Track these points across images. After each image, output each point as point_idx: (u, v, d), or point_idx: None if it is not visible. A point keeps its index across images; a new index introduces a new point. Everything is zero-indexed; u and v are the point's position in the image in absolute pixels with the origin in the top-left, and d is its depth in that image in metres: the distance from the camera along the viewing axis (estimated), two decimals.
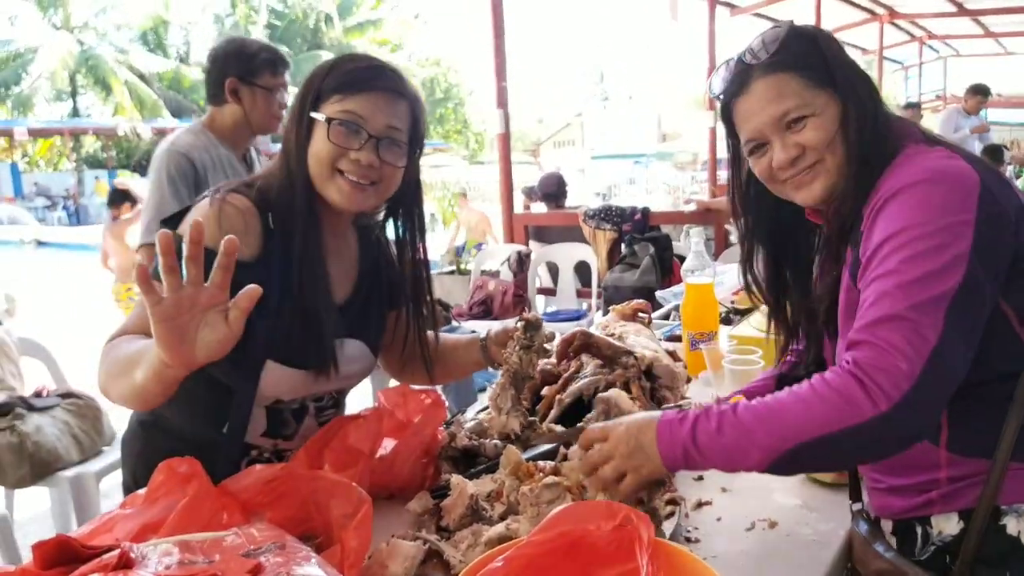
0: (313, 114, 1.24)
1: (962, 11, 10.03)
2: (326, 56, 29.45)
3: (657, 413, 1.04)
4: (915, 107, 8.05)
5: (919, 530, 1.05)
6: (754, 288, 1.30)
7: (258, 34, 28.70)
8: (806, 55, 1.08)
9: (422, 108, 1.32)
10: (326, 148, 1.24)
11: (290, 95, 2.54)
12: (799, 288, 1.25)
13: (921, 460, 1.04)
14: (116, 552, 0.80)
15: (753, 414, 0.94)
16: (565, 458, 1.25)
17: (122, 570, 0.77)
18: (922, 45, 13.19)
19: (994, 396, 1.00)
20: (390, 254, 1.48)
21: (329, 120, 1.23)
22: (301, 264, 1.25)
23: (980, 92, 7.57)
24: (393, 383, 3.68)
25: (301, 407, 1.37)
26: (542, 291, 4.95)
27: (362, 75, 1.25)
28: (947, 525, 1.03)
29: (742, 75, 1.11)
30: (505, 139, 4.76)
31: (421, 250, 1.45)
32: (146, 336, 1.09)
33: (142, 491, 1.00)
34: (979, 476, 1.00)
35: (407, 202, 1.41)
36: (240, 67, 2.36)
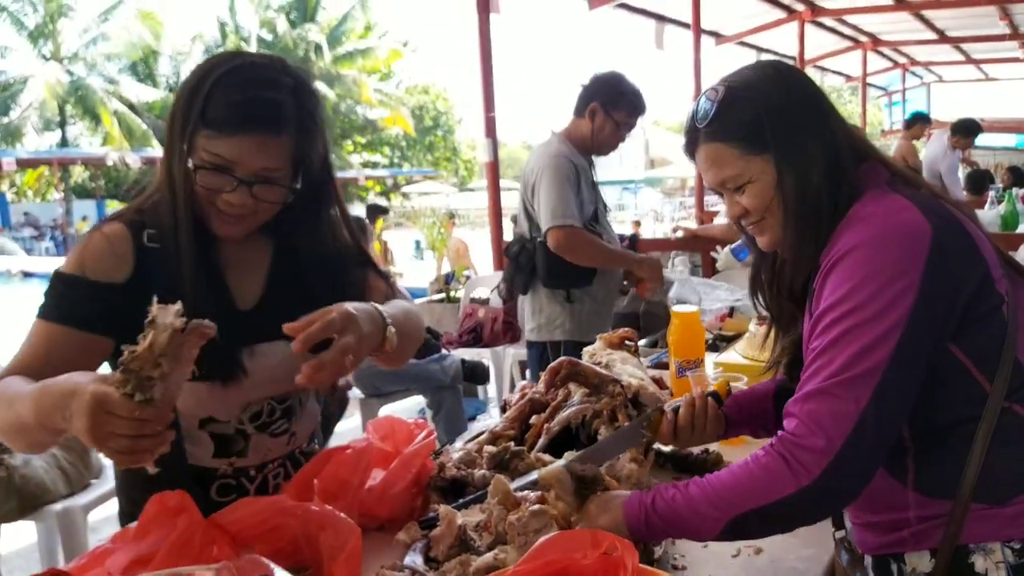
0: (190, 161, 1.17)
1: (944, 39, 10.25)
2: (317, 86, 29.69)
3: (624, 495, 1.10)
4: (925, 121, 7.80)
5: (894, 567, 1.07)
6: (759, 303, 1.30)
7: None
8: (742, 123, 1.07)
9: (310, 131, 1.21)
10: (199, 189, 1.19)
11: (631, 135, 2.89)
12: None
13: (891, 499, 1.05)
14: None
15: (699, 488, 1.02)
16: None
17: None
18: (905, 71, 13.43)
19: (956, 438, 1.01)
20: (327, 243, 1.35)
21: (196, 167, 1.17)
22: (187, 279, 1.20)
23: (971, 133, 7.49)
24: (383, 413, 3.66)
25: (238, 430, 1.32)
26: None
27: (233, 116, 1.14)
28: (920, 562, 1.04)
29: (691, 135, 1.14)
30: (493, 167, 4.80)
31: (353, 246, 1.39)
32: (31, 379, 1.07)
33: (133, 525, 1.01)
34: (947, 516, 1.01)
35: (320, 200, 1.32)
36: (607, 97, 2.72)
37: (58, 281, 1.20)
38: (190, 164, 1.16)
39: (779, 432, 0.99)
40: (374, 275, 1.44)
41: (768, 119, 1.06)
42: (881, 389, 0.94)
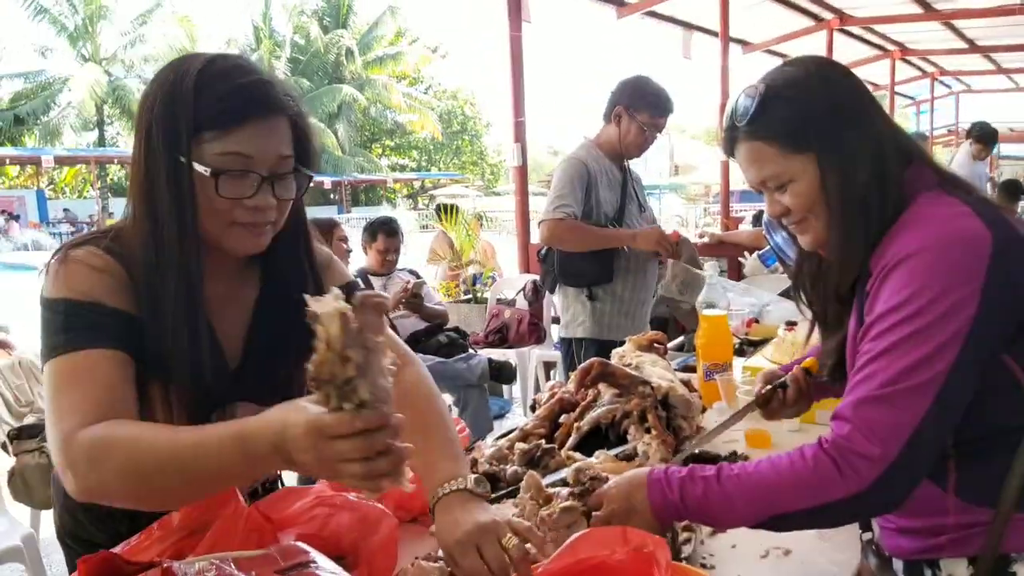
0: (197, 166, 1.02)
1: (974, 48, 10.10)
2: (348, 90, 30.27)
3: (642, 472, 1.09)
4: (923, 139, 7.96)
5: (928, 573, 1.06)
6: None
7: (281, 68, 29.29)
8: (782, 120, 1.05)
9: (300, 114, 1.10)
10: (217, 203, 1.04)
11: (660, 135, 2.87)
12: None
13: (930, 505, 1.04)
14: (158, 568, 0.84)
15: (735, 485, 1.01)
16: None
17: None
18: (934, 81, 13.25)
19: (1000, 447, 1.00)
20: (307, 276, 1.21)
21: (216, 173, 1.02)
22: (177, 332, 1.05)
23: (991, 141, 7.43)
24: None
25: None
26: (556, 320, 4.98)
27: (239, 100, 1.03)
28: (957, 569, 1.03)
29: (730, 134, 1.12)
30: (522, 171, 4.84)
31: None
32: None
33: (176, 513, 1.04)
34: (987, 524, 1.00)
35: (300, 224, 1.20)
36: (630, 100, 2.75)
37: (74, 308, 1.02)
38: (204, 172, 1.02)
39: (829, 435, 0.97)
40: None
41: (810, 117, 1.04)
42: (940, 400, 0.92)
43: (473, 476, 1.10)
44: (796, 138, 1.05)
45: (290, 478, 1.48)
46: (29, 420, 2.65)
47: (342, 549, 1.13)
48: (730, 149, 1.13)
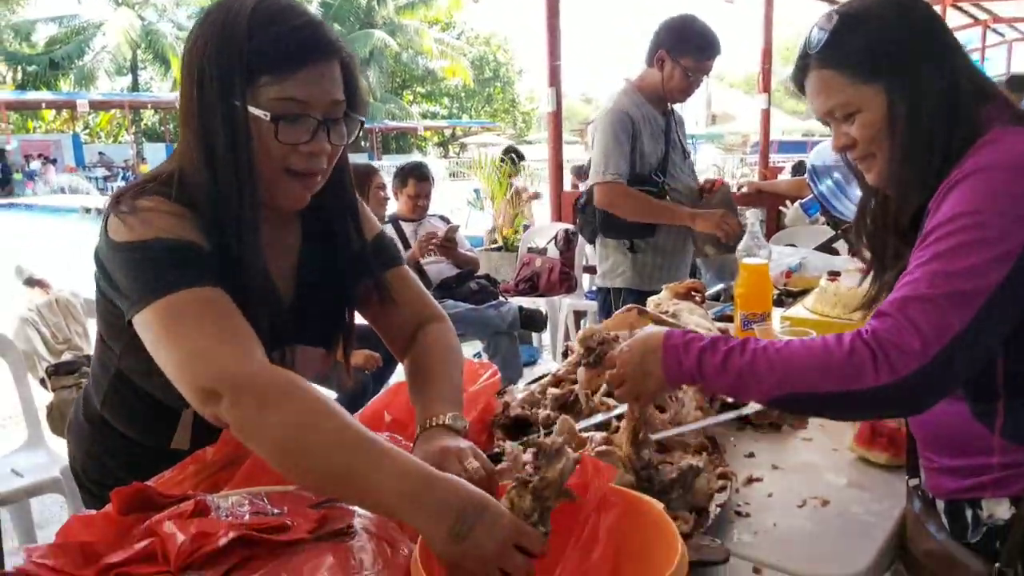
0: (252, 109, 1.01)
1: None
2: (379, 35, 29.95)
3: (659, 333, 1.08)
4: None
5: (969, 512, 1.05)
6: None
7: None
8: (855, 49, 1.05)
9: (351, 56, 1.09)
10: (273, 149, 1.03)
11: (706, 79, 2.76)
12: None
13: (975, 444, 1.03)
14: (192, 500, 0.84)
15: (760, 357, 0.98)
16: (617, 430, 1.26)
17: (198, 517, 0.81)
18: (986, 28, 12.68)
19: None
20: (349, 226, 1.23)
21: (276, 118, 1.01)
22: (244, 278, 1.04)
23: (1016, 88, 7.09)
24: None
25: None
26: (588, 269, 4.95)
27: (295, 44, 1.01)
28: (998, 509, 1.02)
29: (803, 62, 1.12)
30: (556, 117, 4.74)
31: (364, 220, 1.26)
32: None
33: (211, 447, 1.04)
34: None
35: (343, 171, 1.19)
36: (673, 43, 2.62)
37: (175, 247, 0.98)
38: (264, 116, 1.00)
39: (869, 328, 0.94)
40: (400, 270, 1.31)
41: (882, 46, 1.04)
42: (987, 310, 0.90)
43: (452, 414, 1.11)
44: (867, 67, 1.05)
45: None
46: (67, 357, 2.71)
47: None
48: (800, 79, 1.13)
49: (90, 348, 2.88)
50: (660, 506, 0.89)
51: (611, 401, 1.41)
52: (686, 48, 2.63)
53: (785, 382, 0.96)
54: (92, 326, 3.00)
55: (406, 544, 0.86)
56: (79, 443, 1.28)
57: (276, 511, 0.88)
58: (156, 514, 0.85)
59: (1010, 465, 1.01)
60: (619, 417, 1.32)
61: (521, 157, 3.79)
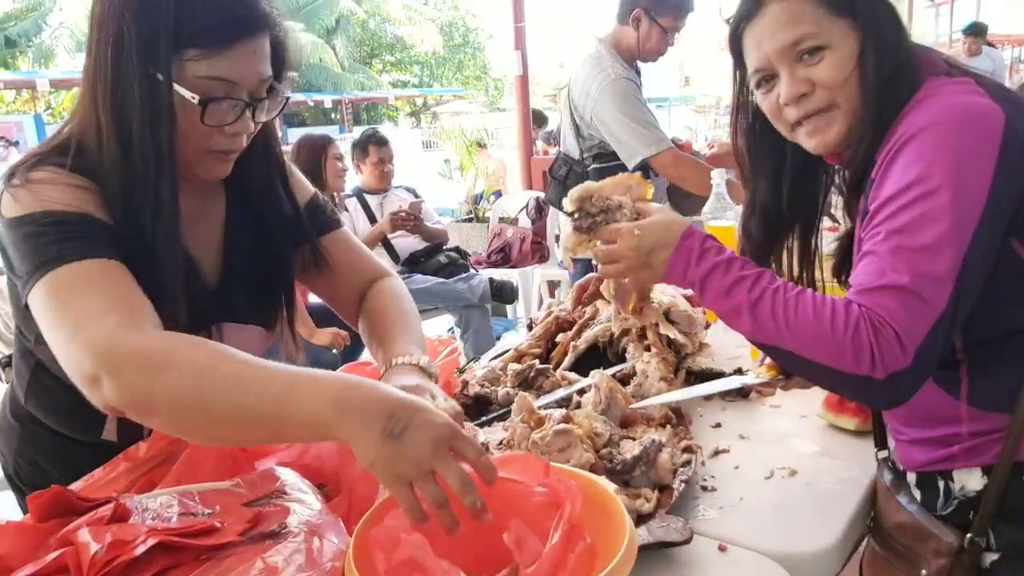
0: (181, 90, 0.93)
1: None
2: (345, 2, 29.37)
3: (678, 227, 1.01)
4: (980, 32, 7.19)
5: (941, 484, 1.02)
6: (751, 237, 1.20)
7: None
8: None
9: (283, 30, 1.03)
10: (197, 130, 0.97)
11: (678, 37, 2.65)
12: (803, 239, 1.19)
13: (942, 413, 1.00)
14: (111, 505, 0.78)
15: (769, 304, 0.92)
16: (578, 406, 1.22)
17: (116, 523, 0.76)
18: None
19: (1013, 349, 0.95)
20: (279, 192, 1.17)
21: (205, 101, 0.94)
22: (158, 258, 0.97)
23: (976, 33, 7.11)
24: None
25: None
26: (559, 238, 4.90)
27: (229, 18, 0.94)
28: (970, 480, 0.99)
29: None
30: (523, 82, 4.65)
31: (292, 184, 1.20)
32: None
33: (144, 443, 0.98)
34: (1002, 432, 0.96)
35: (269, 139, 1.13)
36: (652, 2, 2.52)
37: (63, 218, 0.91)
38: (191, 99, 0.93)
39: (870, 307, 0.87)
40: (338, 234, 1.26)
41: None
42: (961, 284, 0.85)
43: (425, 357, 1.08)
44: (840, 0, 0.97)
45: None
46: None
47: (324, 477, 1.07)
48: (750, 13, 1.02)
49: None
50: (611, 487, 0.84)
51: (572, 375, 1.37)
52: (664, 6, 2.54)
53: (780, 336, 0.90)
54: None
55: (343, 540, 0.81)
56: (8, 443, 1.20)
57: (207, 511, 0.82)
58: (76, 519, 0.79)
59: (979, 433, 0.98)
60: (580, 392, 1.27)
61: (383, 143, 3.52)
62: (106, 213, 0.95)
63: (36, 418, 1.15)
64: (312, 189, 1.26)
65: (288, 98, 1.07)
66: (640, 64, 2.71)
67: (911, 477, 1.06)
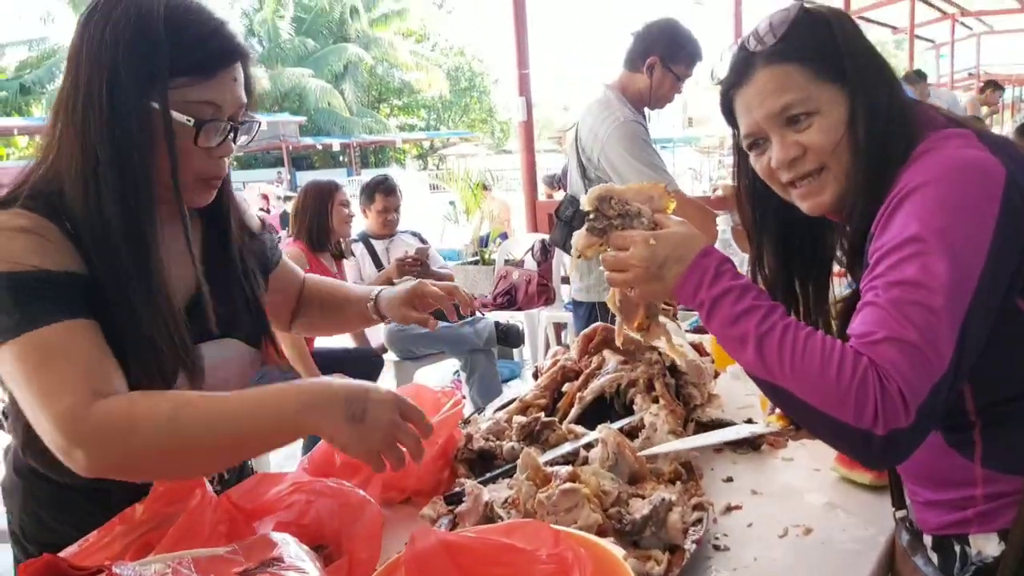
0: (176, 114, 0.98)
1: None
2: (353, 49, 29.85)
3: (696, 243, 0.98)
4: (921, 80, 7.29)
5: (957, 548, 0.98)
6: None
7: (285, 27, 28.91)
8: (817, 43, 0.97)
9: (250, 57, 1.08)
10: (190, 156, 1.01)
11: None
12: (815, 292, 1.17)
13: (957, 476, 0.96)
14: (104, 574, 0.75)
15: (776, 339, 0.87)
16: (585, 461, 1.19)
17: None
18: (955, 22, 12.81)
19: None
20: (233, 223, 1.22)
21: (199, 124, 0.99)
22: (138, 285, 0.99)
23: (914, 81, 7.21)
24: (417, 376, 3.61)
25: None
26: (566, 280, 4.88)
27: (213, 47, 1.00)
28: (987, 545, 0.95)
29: (744, 63, 1.01)
30: (528, 128, 4.69)
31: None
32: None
33: (139, 504, 0.96)
34: (1018, 494, 0.92)
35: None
36: (667, 49, 2.58)
37: (18, 282, 0.92)
38: (186, 121, 0.98)
39: (877, 357, 0.83)
40: (280, 268, 1.39)
41: (844, 42, 0.97)
42: (963, 342, 0.82)
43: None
44: (830, 63, 0.97)
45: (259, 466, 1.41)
46: None
47: (324, 538, 1.05)
48: (739, 80, 1.01)
49: None
50: (620, 553, 0.81)
51: (579, 429, 1.34)
52: (680, 55, 2.60)
53: (783, 375, 0.86)
54: None
55: None
56: (13, 500, 1.18)
57: None
58: None
59: (994, 496, 0.94)
60: (587, 447, 1.24)
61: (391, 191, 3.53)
62: (68, 256, 0.96)
63: (36, 470, 1.12)
64: (255, 220, 1.34)
65: (261, 124, 1.13)
66: (647, 110, 2.74)
67: (927, 540, 1.02)
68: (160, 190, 1.01)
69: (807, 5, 1.01)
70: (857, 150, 0.96)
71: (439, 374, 4.61)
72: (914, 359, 0.81)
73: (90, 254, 0.97)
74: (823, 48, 0.97)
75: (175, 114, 0.98)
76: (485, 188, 6.97)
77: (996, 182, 0.87)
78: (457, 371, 3.98)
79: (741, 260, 2.36)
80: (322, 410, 0.90)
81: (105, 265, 0.98)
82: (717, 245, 2.04)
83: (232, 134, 1.05)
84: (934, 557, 1.01)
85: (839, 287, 1.68)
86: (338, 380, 0.94)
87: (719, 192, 4.45)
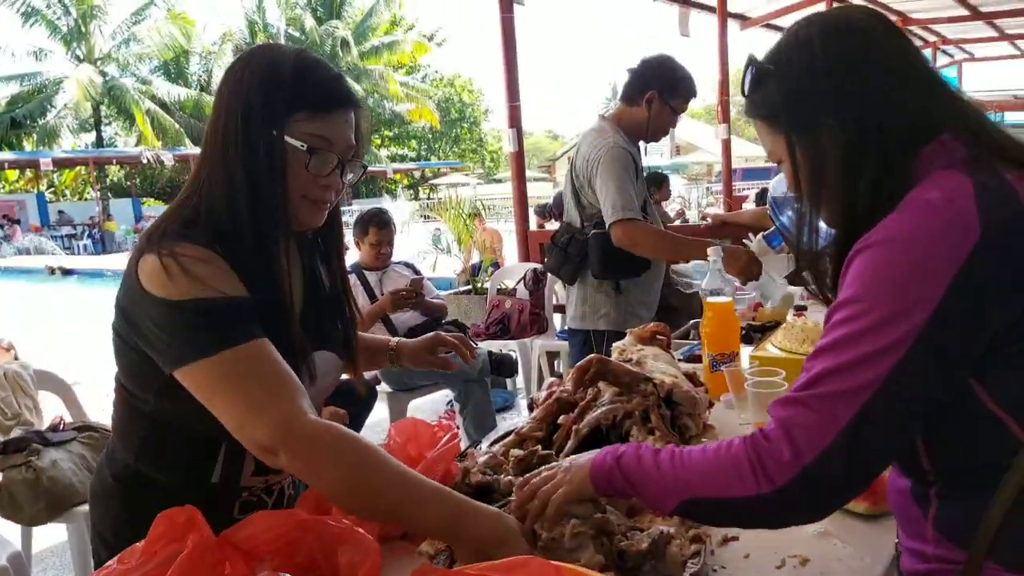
0: (292, 140, 1.14)
1: (976, 15, 9.92)
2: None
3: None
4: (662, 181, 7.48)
5: None
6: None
7: None
8: (763, 102, 1.00)
9: (364, 111, 1.25)
10: (300, 177, 1.16)
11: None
12: None
13: (916, 528, 0.96)
14: None
15: (669, 458, 0.95)
16: None
17: None
18: (936, 50, 13.05)
19: (984, 483, 0.87)
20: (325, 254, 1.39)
21: (311, 150, 1.15)
22: (278, 296, 1.17)
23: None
24: (411, 407, 3.61)
25: None
26: (558, 308, 4.90)
27: (330, 90, 1.17)
28: None
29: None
30: (518, 157, 4.74)
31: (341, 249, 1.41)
32: None
33: (139, 544, 0.96)
34: (959, 564, 0.90)
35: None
36: (664, 84, 2.68)
37: (211, 305, 1.06)
38: (300, 147, 1.14)
39: (759, 430, 0.88)
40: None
41: (783, 98, 0.96)
42: (869, 411, 0.81)
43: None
44: (773, 118, 0.99)
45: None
46: (16, 433, 2.57)
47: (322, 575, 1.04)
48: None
49: (41, 423, 2.76)
50: None
51: None
52: (677, 90, 2.70)
53: (679, 489, 0.92)
54: (43, 399, 2.87)
55: None
56: (108, 509, 1.26)
57: None
58: None
59: (942, 559, 0.92)
60: None
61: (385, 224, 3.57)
62: (236, 283, 1.11)
63: (143, 477, 1.22)
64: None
65: (367, 167, 1.29)
66: (641, 143, 2.81)
67: None
68: (279, 209, 1.15)
69: (755, 59, 1.01)
70: (808, 196, 0.98)
71: (433, 405, 4.60)
72: (806, 417, 0.84)
73: (247, 275, 1.12)
74: (767, 104, 0.99)
75: (291, 140, 1.13)
76: (477, 216, 7.01)
77: (955, 252, 0.80)
78: (451, 401, 3.97)
79: (734, 287, 2.39)
80: (462, 542, 1.02)
81: (247, 279, 1.12)
82: (708, 275, 2.07)
83: (340, 170, 1.19)
84: None
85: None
86: (493, 521, 1.03)
87: (708, 221, 4.50)
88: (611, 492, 1.01)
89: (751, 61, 1.02)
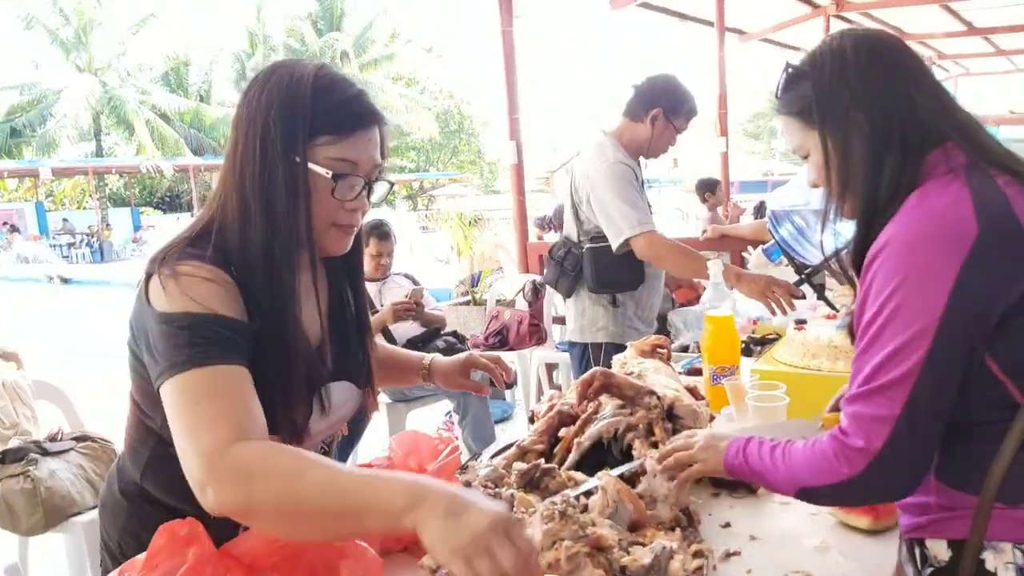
0: (315, 167, 1.09)
1: (972, 30, 9.98)
2: None
3: (722, 441, 1.18)
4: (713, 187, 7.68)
5: (918, 551, 1.06)
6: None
7: None
8: (799, 97, 1.12)
9: (388, 125, 1.20)
10: (326, 204, 1.12)
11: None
12: None
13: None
14: None
15: (781, 457, 1.08)
16: (585, 508, 1.19)
17: None
18: (932, 65, 13.08)
19: (985, 435, 1.00)
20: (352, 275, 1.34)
21: (336, 176, 1.10)
22: (280, 321, 1.11)
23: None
24: (410, 418, 3.61)
25: None
26: (557, 320, 4.90)
27: (353, 111, 1.12)
28: (939, 551, 1.04)
29: (775, 106, 1.20)
30: (518, 170, 4.74)
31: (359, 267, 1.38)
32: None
33: (141, 556, 0.95)
34: (965, 510, 1.00)
35: None
36: (670, 104, 2.71)
37: (199, 321, 1.02)
38: (324, 174, 1.09)
39: (838, 425, 1.02)
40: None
41: (817, 96, 1.09)
42: (914, 396, 0.95)
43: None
44: (807, 115, 1.11)
45: None
46: (14, 443, 2.56)
47: None
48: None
49: (39, 433, 2.75)
50: None
51: (578, 476, 1.34)
52: (681, 109, 2.74)
53: (793, 482, 1.05)
54: (41, 409, 2.86)
55: None
56: (115, 521, 1.25)
57: None
58: None
59: (946, 507, 1.03)
60: (587, 494, 1.25)
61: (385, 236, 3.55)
62: (238, 305, 1.07)
63: (149, 494, 1.20)
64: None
65: (393, 184, 1.25)
66: (641, 159, 2.82)
67: (904, 545, 1.11)
68: (300, 238, 1.11)
69: (792, 63, 1.15)
70: (834, 189, 1.10)
71: (432, 416, 4.59)
72: (868, 408, 0.98)
73: (254, 298, 1.09)
74: (802, 101, 1.11)
75: (314, 167, 1.09)
76: (473, 224, 7.01)
77: (959, 249, 0.93)
78: (449, 412, 3.96)
79: (734, 299, 2.39)
80: (425, 502, 0.86)
81: (254, 305, 1.09)
82: (709, 288, 2.08)
83: (367, 190, 1.15)
84: (906, 559, 1.09)
85: (830, 329, 1.72)
86: (455, 485, 0.96)
87: (707, 234, 4.50)
88: (742, 480, 1.21)
89: (788, 65, 1.15)
